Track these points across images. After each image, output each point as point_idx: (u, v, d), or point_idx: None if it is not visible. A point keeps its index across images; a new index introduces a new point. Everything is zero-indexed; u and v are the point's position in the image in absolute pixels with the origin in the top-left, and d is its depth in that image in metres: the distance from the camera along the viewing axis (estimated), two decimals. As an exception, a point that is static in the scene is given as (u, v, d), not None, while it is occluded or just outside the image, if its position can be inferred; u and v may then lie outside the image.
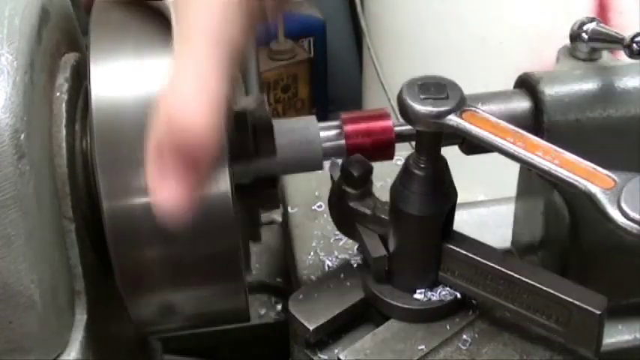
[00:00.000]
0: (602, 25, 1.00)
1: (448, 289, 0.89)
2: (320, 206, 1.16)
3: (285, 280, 1.21)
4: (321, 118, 0.93)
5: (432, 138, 0.82)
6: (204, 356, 1.26)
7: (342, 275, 0.93)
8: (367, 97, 2.25)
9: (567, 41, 1.03)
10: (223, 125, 0.75)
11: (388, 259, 0.88)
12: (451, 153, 0.89)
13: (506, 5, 1.70)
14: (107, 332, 0.91)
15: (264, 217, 1.21)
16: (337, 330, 0.90)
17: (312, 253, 1.11)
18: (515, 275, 0.83)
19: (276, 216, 1.29)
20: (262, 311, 1.20)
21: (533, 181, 1.09)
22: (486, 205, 1.28)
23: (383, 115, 0.93)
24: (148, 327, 0.88)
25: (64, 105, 0.81)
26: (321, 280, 0.93)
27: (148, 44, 0.78)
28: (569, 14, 1.42)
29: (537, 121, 0.97)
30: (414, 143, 0.85)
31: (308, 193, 1.19)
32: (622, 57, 0.98)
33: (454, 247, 0.86)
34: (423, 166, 0.83)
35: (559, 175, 0.75)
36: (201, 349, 1.25)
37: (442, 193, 0.84)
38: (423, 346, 0.85)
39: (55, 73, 0.84)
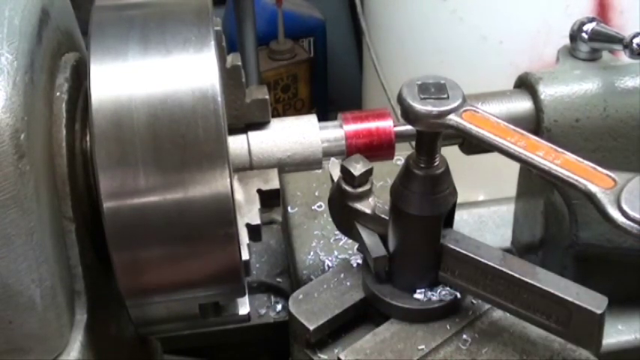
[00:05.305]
0: (602, 25, 1.00)
1: (448, 289, 0.89)
2: (320, 206, 1.17)
3: (285, 280, 1.21)
4: (321, 118, 0.93)
5: (432, 138, 0.82)
6: (204, 356, 1.26)
7: (342, 275, 0.93)
8: (367, 97, 2.25)
9: (567, 41, 1.03)
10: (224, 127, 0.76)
11: (388, 259, 0.88)
12: (451, 153, 0.89)
13: (506, 5, 1.70)
14: (107, 332, 0.91)
15: (264, 217, 1.21)
16: (337, 330, 0.90)
17: (312, 253, 1.11)
18: (516, 275, 0.83)
19: (276, 216, 1.29)
20: (262, 311, 1.20)
21: (533, 181, 1.09)
22: (486, 205, 1.28)
23: (383, 115, 0.93)
24: (148, 327, 0.88)
25: (64, 105, 0.81)
26: (321, 280, 0.93)
27: (148, 45, 0.78)
28: (569, 14, 1.42)
29: (537, 121, 0.97)
30: (414, 143, 0.85)
31: (308, 193, 1.19)
32: (622, 57, 0.98)
33: (454, 247, 0.86)
34: (423, 166, 0.83)
35: (559, 175, 0.75)
36: (201, 349, 1.25)
37: (442, 193, 0.84)
38: (423, 346, 0.85)
39: (55, 73, 0.84)
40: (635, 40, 0.92)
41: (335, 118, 0.94)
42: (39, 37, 0.79)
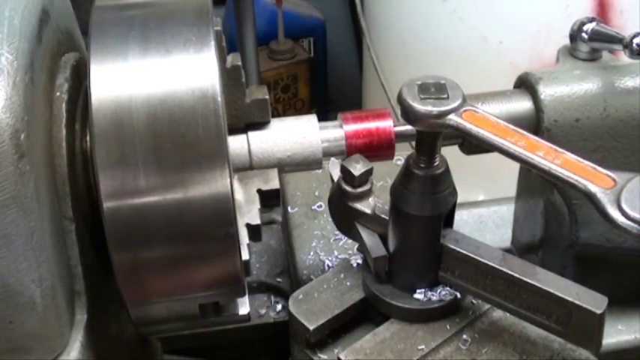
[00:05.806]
0: (602, 25, 1.00)
1: (448, 289, 0.89)
2: (320, 206, 1.17)
3: (285, 280, 1.21)
4: (321, 118, 0.93)
5: (432, 138, 0.82)
6: (204, 356, 1.26)
7: (342, 275, 0.93)
8: (367, 97, 2.25)
9: (567, 41, 1.03)
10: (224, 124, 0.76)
11: (388, 259, 0.88)
12: (451, 153, 0.89)
13: (506, 5, 1.70)
14: (107, 332, 0.91)
15: (264, 217, 1.21)
16: (337, 330, 0.90)
17: (312, 253, 1.11)
18: (516, 275, 0.83)
19: (276, 216, 1.29)
20: (262, 311, 1.20)
21: (533, 181, 1.09)
22: (486, 205, 1.28)
23: (383, 115, 0.93)
24: (148, 327, 0.88)
25: (64, 105, 0.81)
26: (321, 280, 0.93)
27: (148, 45, 0.78)
28: (569, 14, 1.42)
29: (537, 121, 0.97)
30: (414, 143, 0.85)
31: (308, 193, 1.19)
32: (622, 57, 0.98)
33: (454, 247, 0.86)
34: (423, 166, 0.83)
35: (559, 175, 0.75)
36: (201, 349, 1.25)
37: (442, 193, 0.84)
38: (423, 346, 0.85)
39: (55, 73, 0.84)
40: (635, 40, 0.92)
41: (335, 118, 0.94)
42: (39, 37, 0.79)
